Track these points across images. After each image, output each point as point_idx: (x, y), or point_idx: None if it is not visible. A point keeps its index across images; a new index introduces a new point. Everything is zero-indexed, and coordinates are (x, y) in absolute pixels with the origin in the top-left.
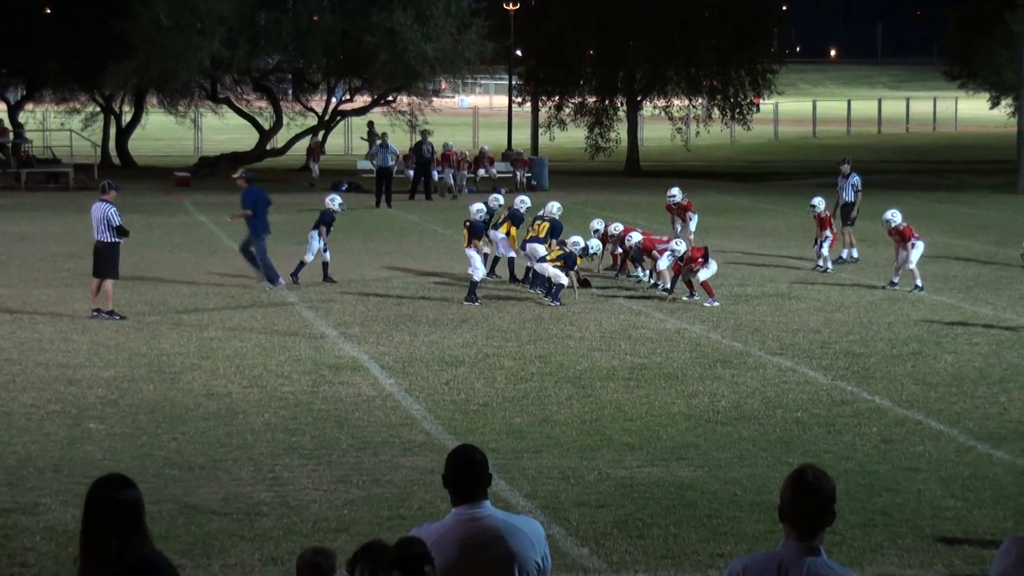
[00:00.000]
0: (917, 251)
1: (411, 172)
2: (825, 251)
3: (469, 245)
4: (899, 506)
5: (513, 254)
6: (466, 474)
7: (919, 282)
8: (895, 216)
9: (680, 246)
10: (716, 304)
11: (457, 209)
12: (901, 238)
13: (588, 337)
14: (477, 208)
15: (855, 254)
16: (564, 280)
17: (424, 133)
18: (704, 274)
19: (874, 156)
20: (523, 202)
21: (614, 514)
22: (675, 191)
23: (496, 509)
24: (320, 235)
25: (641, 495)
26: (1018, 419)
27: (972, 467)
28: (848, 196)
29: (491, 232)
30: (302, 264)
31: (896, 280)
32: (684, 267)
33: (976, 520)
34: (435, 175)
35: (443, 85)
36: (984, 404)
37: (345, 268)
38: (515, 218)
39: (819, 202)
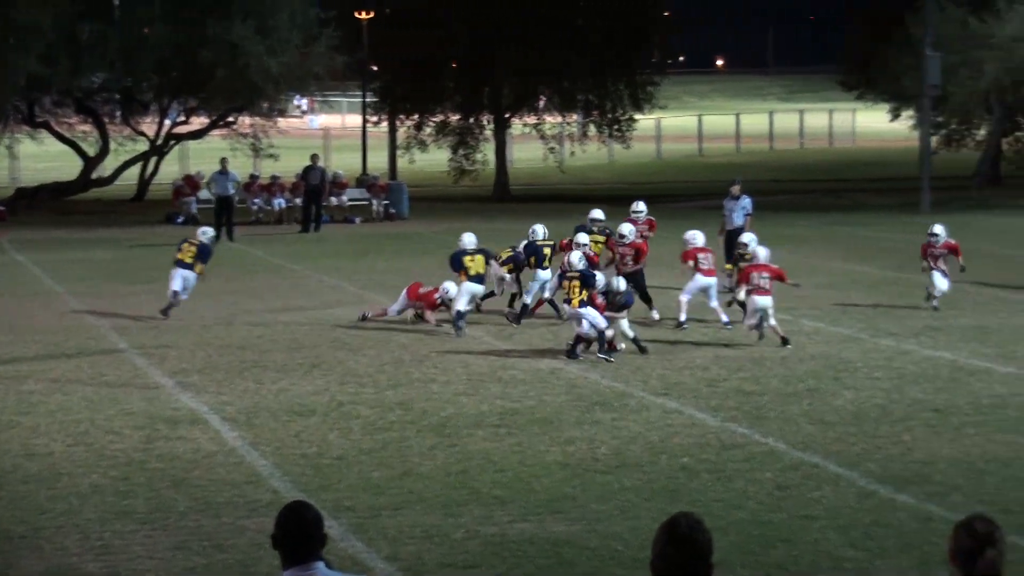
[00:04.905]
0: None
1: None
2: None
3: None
4: (795, 558)
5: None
6: (296, 534)
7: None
8: (943, 231)
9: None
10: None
11: (306, 242)
12: (953, 253)
13: (454, 380)
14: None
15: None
16: (603, 322)
17: (314, 157)
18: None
19: (766, 175)
20: (534, 232)
21: None
22: (641, 205)
23: (330, 571)
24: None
25: (513, 554)
26: (923, 459)
27: (874, 514)
28: (738, 220)
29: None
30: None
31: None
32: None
33: (879, 571)
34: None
35: (310, 103)
36: (886, 444)
37: (181, 310)
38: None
39: (941, 231)
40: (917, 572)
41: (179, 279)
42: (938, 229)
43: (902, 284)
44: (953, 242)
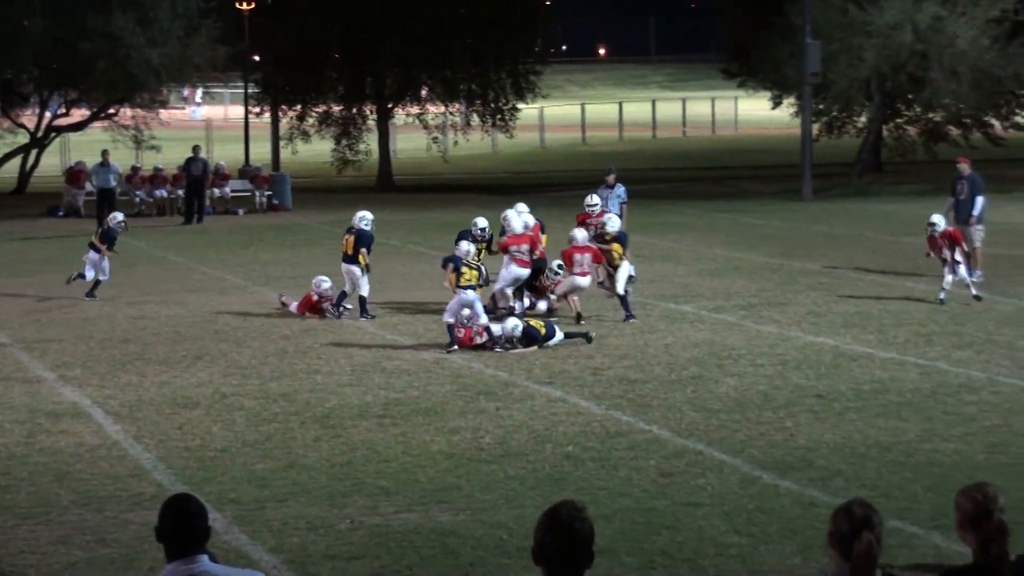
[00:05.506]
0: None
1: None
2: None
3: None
4: (679, 545)
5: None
6: (180, 527)
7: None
8: (942, 220)
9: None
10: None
11: (189, 234)
12: (955, 239)
13: (337, 371)
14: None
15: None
16: (485, 320)
17: (196, 148)
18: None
19: (650, 163)
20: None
21: (368, 566)
22: (595, 199)
23: (214, 564)
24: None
25: (398, 544)
26: (805, 445)
27: (757, 500)
28: (613, 209)
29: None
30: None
31: (977, 293)
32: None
33: (762, 557)
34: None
35: (192, 94)
36: (770, 430)
37: (65, 304)
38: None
39: (939, 220)
40: (800, 557)
41: (90, 265)
42: (935, 219)
43: (784, 271)
44: (951, 228)
